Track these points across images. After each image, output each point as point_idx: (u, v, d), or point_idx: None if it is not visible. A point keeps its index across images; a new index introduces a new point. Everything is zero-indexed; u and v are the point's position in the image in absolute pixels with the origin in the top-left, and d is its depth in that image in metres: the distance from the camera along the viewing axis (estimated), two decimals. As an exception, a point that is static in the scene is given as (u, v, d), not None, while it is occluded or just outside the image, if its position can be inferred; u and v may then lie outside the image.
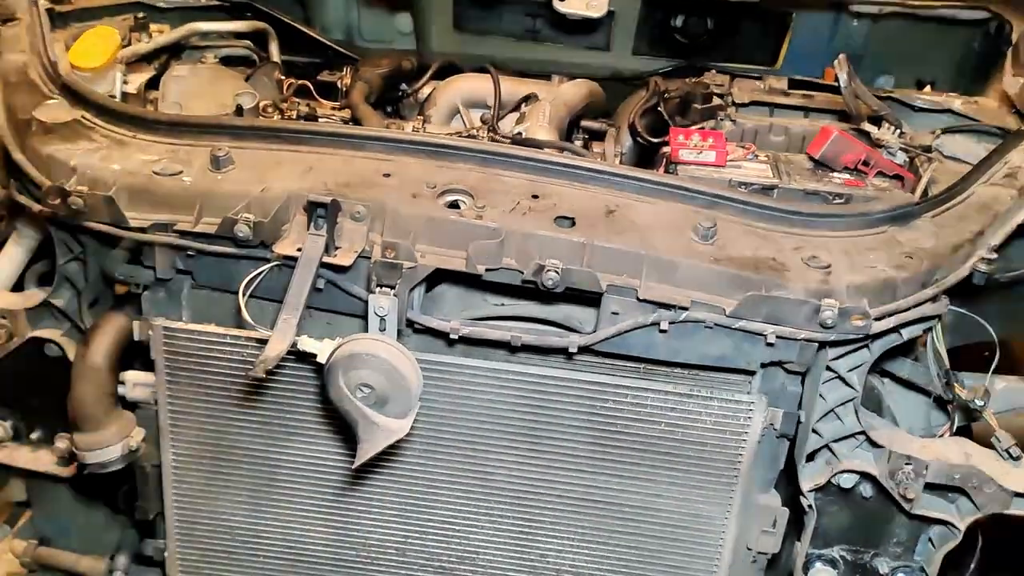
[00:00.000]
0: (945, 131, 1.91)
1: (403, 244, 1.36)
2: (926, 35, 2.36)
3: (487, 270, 1.37)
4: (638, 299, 1.38)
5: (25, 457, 1.75)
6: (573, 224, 1.42)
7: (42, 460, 1.73)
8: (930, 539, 1.59)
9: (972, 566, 1.70)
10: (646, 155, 2.10)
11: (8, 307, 1.61)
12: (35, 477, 1.81)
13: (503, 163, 1.52)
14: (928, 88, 2.27)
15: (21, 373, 1.72)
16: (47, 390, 1.71)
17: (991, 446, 1.56)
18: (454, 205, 1.45)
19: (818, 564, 1.62)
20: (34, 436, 1.76)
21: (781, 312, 1.36)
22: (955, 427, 1.63)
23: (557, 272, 1.34)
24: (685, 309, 1.37)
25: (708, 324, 1.38)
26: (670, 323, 1.38)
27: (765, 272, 1.39)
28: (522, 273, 1.37)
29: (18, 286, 1.76)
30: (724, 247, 1.42)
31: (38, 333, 1.62)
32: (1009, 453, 1.52)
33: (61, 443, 1.69)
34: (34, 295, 1.64)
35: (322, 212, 1.34)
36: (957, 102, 2.04)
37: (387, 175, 1.48)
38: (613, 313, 1.40)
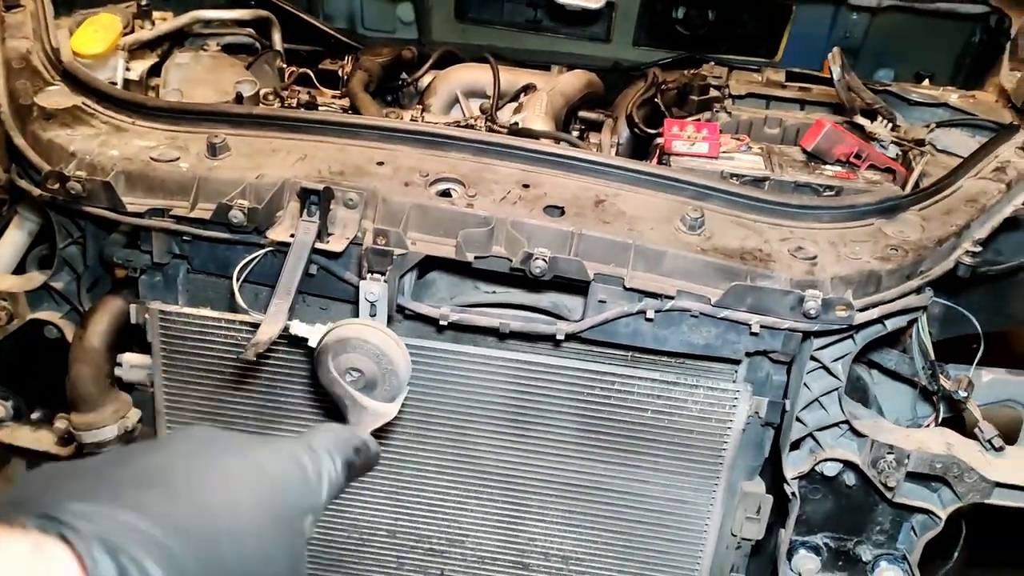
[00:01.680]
0: (939, 125, 1.92)
1: (394, 231, 1.38)
2: (926, 29, 2.37)
3: (476, 258, 1.40)
4: (624, 288, 1.40)
5: (26, 437, 1.78)
6: (563, 213, 1.44)
7: (42, 440, 1.77)
8: (912, 527, 1.61)
9: (955, 555, 1.72)
10: (643, 146, 2.11)
11: (9, 289, 1.65)
12: (36, 456, 1.85)
13: (495, 153, 1.54)
14: (927, 82, 2.28)
15: (22, 354, 1.75)
16: (46, 371, 1.74)
17: (977, 438, 1.58)
18: (446, 194, 1.47)
19: (802, 551, 1.65)
20: (34, 416, 1.80)
21: (765, 302, 1.38)
22: (940, 418, 1.65)
23: (545, 260, 1.36)
24: (671, 298, 1.39)
25: (694, 313, 1.41)
26: (656, 312, 1.40)
27: (751, 263, 1.41)
28: (511, 261, 1.39)
29: (20, 270, 1.79)
30: (711, 237, 1.44)
31: (38, 315, 1.65)
32: (991, 444, 1.54)
33: (60, 423, 1.72)
34: (34, 278, 1.67)
35: (315, 199, 1.37)
36: (954, 96, 2.05)
37: (380, 163, 1.50)
38: (600, 301, 1.42)
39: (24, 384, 1.79)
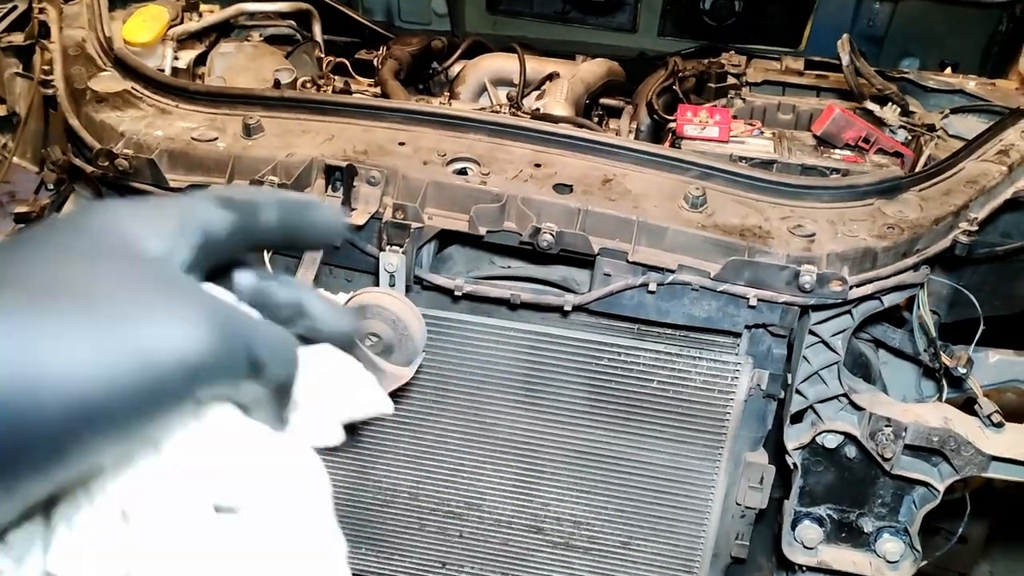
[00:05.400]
0: (954, 111, 1.96)
1: (411, 206, 1.48)
2: (950, 18, 2.39)
3: (488, 231, 1.49)
4: (628, 261, 1.47)
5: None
6: (571, 191, 1.52)
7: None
8: (913, 501, 1.66)
9: (959, 531, 1.76)
10: (662, 133, 2.18)
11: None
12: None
13: (510, 134, 1.63)
14: (948, 70, 2.30)
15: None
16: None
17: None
18: (462, 172, 1.56)
19: (806, 521, 1.70)
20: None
21: (762, 276, 1.44)
22: (944, 397, 1.69)
23: (552, 235, 1.44)
24: (672, 272, 1.47)
25: (694, 287, 1.47)
26: (658, 285, 1.48)
27: (750, 239, 1.47)
28: (520, 235, 1.48)
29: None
30: (713, 215, 1.51)
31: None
32: (991, 420, 1.58)
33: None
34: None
35: (339, 176, 1.47)
36: (971, 83, 2.08)
37: (402, 144, 1.60)
38: (605, 274, 1.50)
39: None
